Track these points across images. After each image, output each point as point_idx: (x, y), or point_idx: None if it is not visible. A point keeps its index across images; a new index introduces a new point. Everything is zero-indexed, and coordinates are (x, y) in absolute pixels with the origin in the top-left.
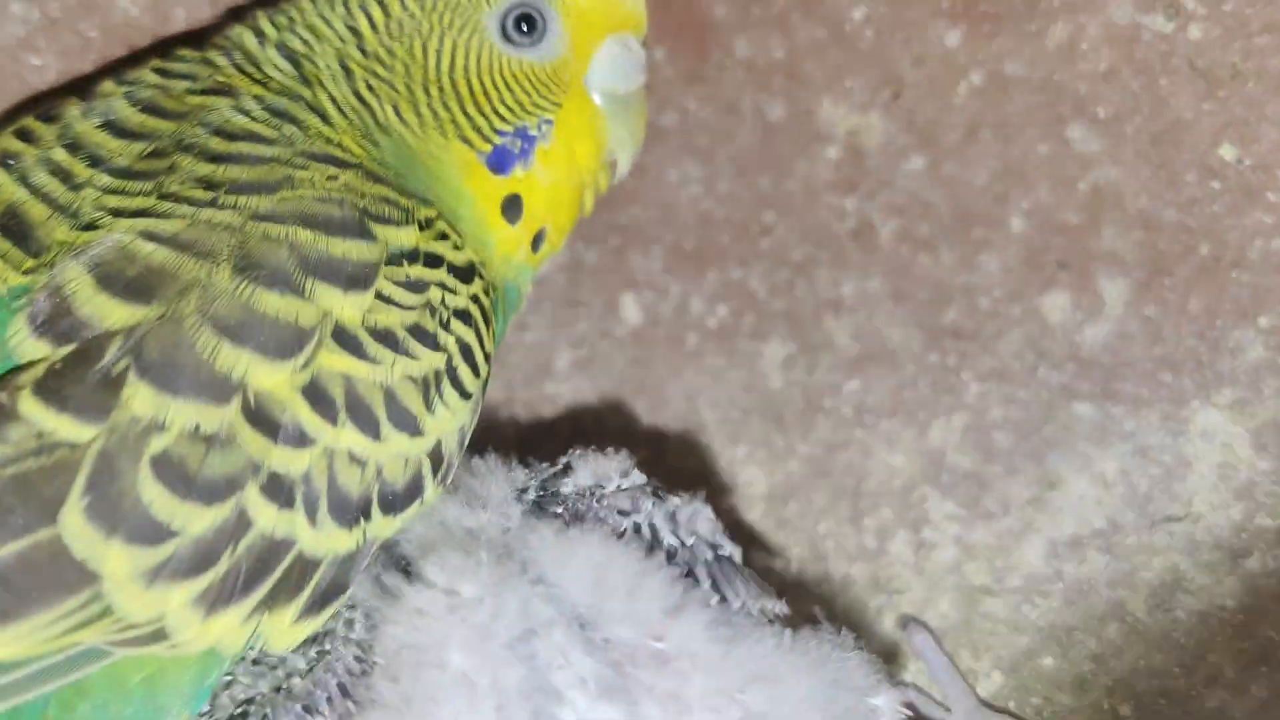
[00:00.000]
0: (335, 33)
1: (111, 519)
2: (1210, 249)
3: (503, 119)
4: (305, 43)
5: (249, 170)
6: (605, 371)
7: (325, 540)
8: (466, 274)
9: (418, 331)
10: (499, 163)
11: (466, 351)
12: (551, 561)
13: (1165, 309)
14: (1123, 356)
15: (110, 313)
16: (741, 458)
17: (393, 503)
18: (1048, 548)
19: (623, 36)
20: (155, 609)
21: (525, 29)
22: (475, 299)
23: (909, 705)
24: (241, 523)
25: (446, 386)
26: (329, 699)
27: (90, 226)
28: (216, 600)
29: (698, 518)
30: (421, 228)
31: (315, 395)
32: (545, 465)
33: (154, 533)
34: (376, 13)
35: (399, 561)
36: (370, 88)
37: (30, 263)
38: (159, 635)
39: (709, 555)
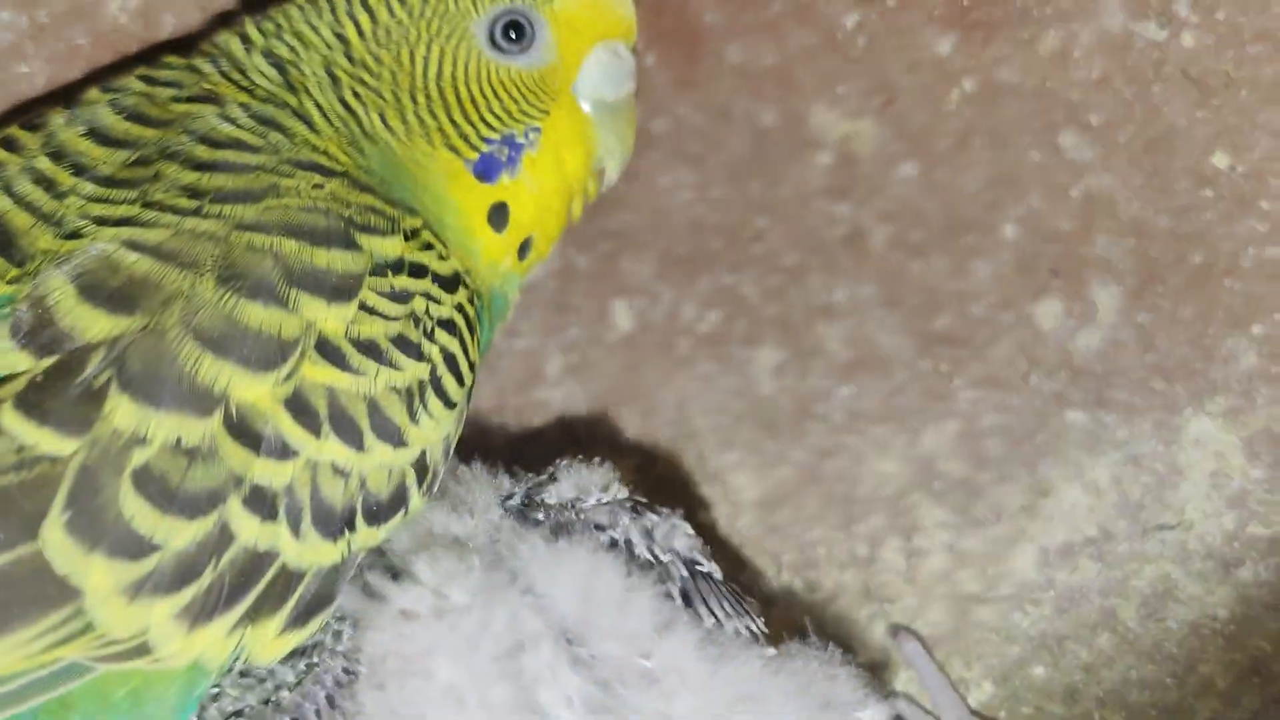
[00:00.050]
0: (322, 40)
1: (93, 533)
2: (1203, 257)
3: (490, 127)
4: (292, 50)
5: (234, 178)
6: (596, 378)
7: (309, 552)
8: (451, 283)
9: (401, 342)
10: (486, 171)
11: (451, 361)
12: (540, 572)
13: (1158, 317)
14: (1115, 364)
15: (93, 324)
16: (732, 464)
17: (377, 513)
18: (1039, 556)
19: (612, 44)
20: (138, 624)
21: (514, 37)
22: (460, 308)
23: (898, 718)
24: (224, 536)
25: (431, 396)
26: (317, 711)
27: (74, 235)
28: (200, 614)
29: (675, 534)
30: (407, 237)
31: (298, 407)
32: (530, 475)
33: (136, 547)
34: (364, 20)
35: (386, 567)
36: (357, 95)
37: (14, 272)
38: (142, 650)
39: (684, 573)
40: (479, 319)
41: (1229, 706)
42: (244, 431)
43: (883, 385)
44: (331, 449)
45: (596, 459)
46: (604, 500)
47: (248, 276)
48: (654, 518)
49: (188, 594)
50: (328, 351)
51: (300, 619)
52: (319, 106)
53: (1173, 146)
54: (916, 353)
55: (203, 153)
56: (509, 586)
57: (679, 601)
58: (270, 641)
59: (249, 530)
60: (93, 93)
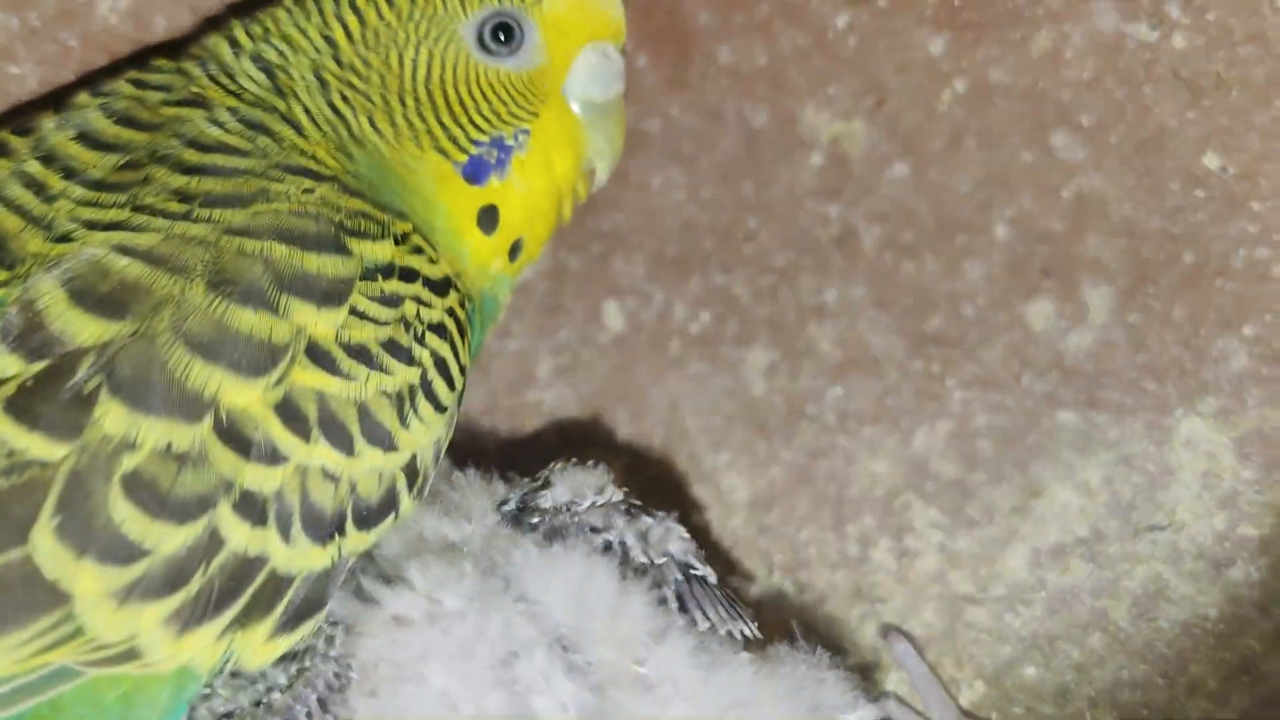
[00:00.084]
0: (311, 43)
1: (83, 539)
2: (1194, 257)
3: (479, 129)
4: (280, 53)
5: (223, 183)
6: (588, 379)
7: (299, 557)
8: (442, 288)
9: (392, 346)
10: (474, 173)
11: (441, 365)
12: (533, 578)
13: (1149, 317)
14: (1106, 365)
15: (83, 329)
16: (724, 465)
17: (367, 518)
18: (1031, 556)
19: (601, 45)
20: (127, 629)
21: (502, 39)
22: (450, 312)
23: (887, 719)
24: (214, 541)
25: (421, 400)
26: (308, 714)
27: (64, 238)
28: (189, 619)
29: (669, 538)
30: (397, 242)
31: (288, 412)
32: (526, 480)
33: (126, 552)
34: (353, 22)
35: (379, 573)
36: (345, 99)
37: (4, 275)
38: (131, 654)
39: (678, 576)
40: (470, 322)
41: (1219, 706)
42: (234, 437)
43: (874, 386)
44: (321, 454)
45: (591, 461)
46: (599, 503)
47: (238, 282)
48: (649, 520)
49: (177, 599)
50: (318, 356)
51: (290, 624)
52: (307, 111)
53: (1164, 147)
54: (908, 353)
55: (192, 156)
56: (503, 593)
57: (674, 604)
58: (260, 646)
59: (239, 535)
60: (83, 97)
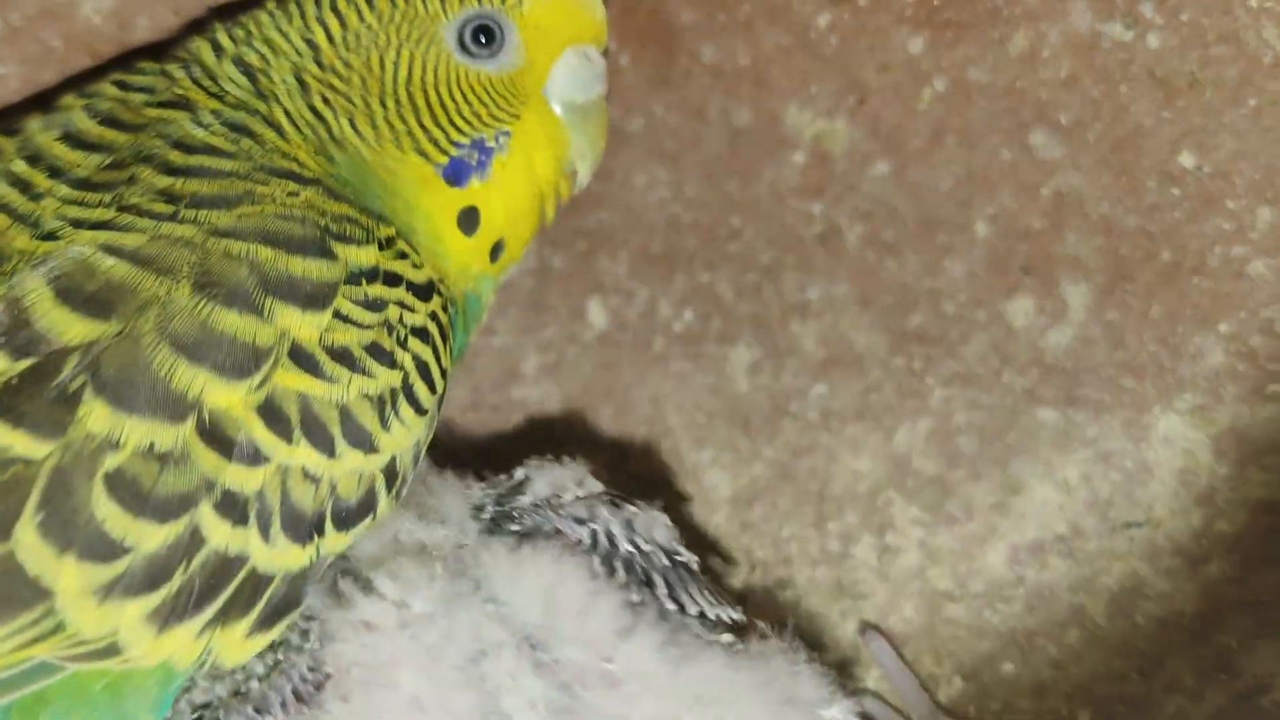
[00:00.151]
0: (292, 46)
1: (65, 536)
2: (1171, 255)
3: (460, 131)
4: (261, 57)
5: (208, 184)
6: (572, 376)
7: (278, 557)
8: (425, 292)
9: (375, 350)
10: (455, 175)
11: (423, 368)
12: (503, 580)
13: (1127, 314)
14: (1085, 362)
15: (69, 327)
16: (707, 462)
17: (346, 518)
18: (1010, 553)
19: (582, 47)
20: (108, 625)
21: (483, 41)
22: (433, 316)
23: (864, 715)
24: (195, 540)
25: (402, 403)
26: (283, 703)
27: (50, 236)
28: (169, 616)
29: (654, 525)
30: (381, 247)
31: (270, 414)
32: (502, 478)
33: (107, 550)
34: (334, 25)
35: (352, 575)
36: (326, 101)
37: None
38: (111, 650)
39: (665, 562)
40: (453, 324)
41: (1195, 702)
42: (216, 437)
43: (856, 383)
44: (303, 455)
45: (565, 456)
46: (581, 495)
47: (223, 284)
48: (633, 509)
49: (158, 596)
50: (301, 359)
51: (267, 621)
52: (288, 113)
53: (1140, 146)
54: (890, 351)
55: (177, 158)
56: (472, 595)
57: (663, 591)
58: (238, 644)
59: (219, 534)
60: (67, 98)
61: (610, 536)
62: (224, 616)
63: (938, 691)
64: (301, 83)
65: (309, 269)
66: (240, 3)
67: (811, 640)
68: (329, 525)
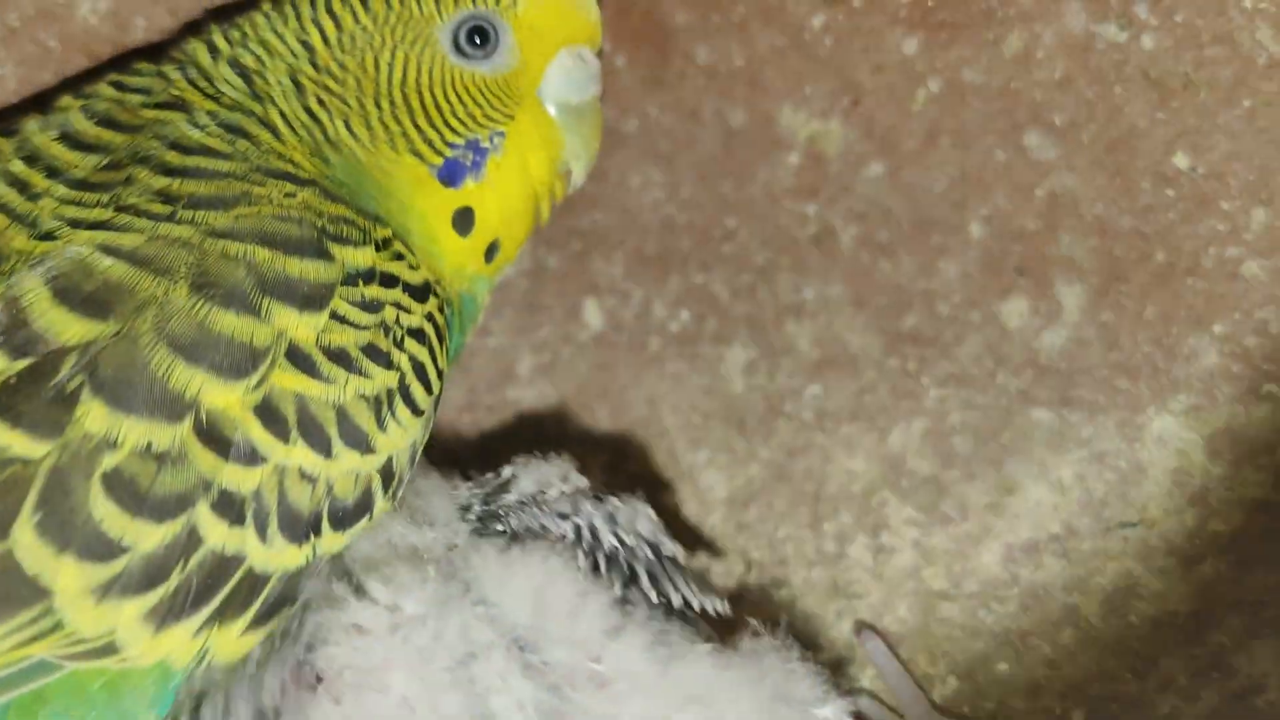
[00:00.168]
0: (288, 48)
1: (63, 535)
2: (1165, 256)
3: (454, 132)
4: (257, 58)
5: (205, 184)
6: (567, 377)
7: (275, 557)
8: (421, 293)
9: (371, 351)
10: (450, 176)
11: (419, 369)
12: (493, 582)
13: (1121, 315)
14: (1079, 362)
15: (66, 327)
16: (702, 462)
17: (343, 519)
18: (1004, 553)
19: (576, 48)
20: (106, 624)
21: (478, 42)
22: (430, 318)
23: (858, 714)
24: (192, 539)
25: (399, 404)
26: (281, 687)
27: (48, 236)
28: (167, 615)
29: (637, 518)
30: (378, 248)
31: (267, 414)
32: (489, 477)
33: (105, 549)
34: (329, 27)
35: (346, 577)
36: (321, 102)
37: None
38: (109, 649)
39: (649, 555)
40: (449, 324)
41: (1189, 701)
42: (213, 437)
43: (851, 384)
44: (299, 455)
45: (552, 452)
46: (565, 491)
47: (221, 285)
48: (616, 502)
49: (155, 595)
50: (298, 359)
51: (263, 619)
52: (283, 115)
53: (1134, 147)
54: (885, 351)
55: (173, 158)
56: (462, 597)
57: (646, 582)
58: (234, 640)
59: (217, 534)
60: (64, 99)
61: (594, 530)
62: (221, 615)
63: (933, 691)
64: (297, 84)
65: (306, 270)
66: (236, 4)
67: (807, 640)
68: (326, 525)
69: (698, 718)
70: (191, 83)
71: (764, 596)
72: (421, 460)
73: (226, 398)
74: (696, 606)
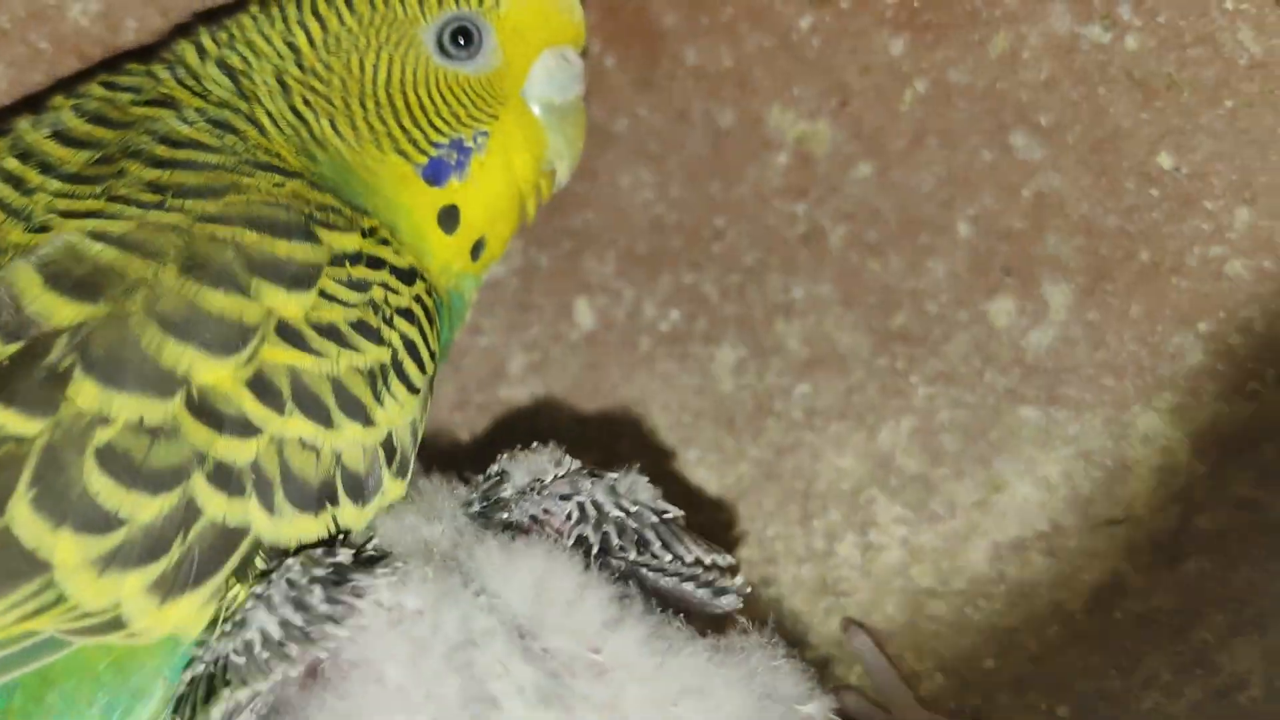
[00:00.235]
0: (274, 49)
1: (59, 509)
2: (1150, 255)
3: (438, 131)
4: (244, 59)
5: (195, 175)
6: (558, 375)
7: (287, 526)
8: (408, 276)
9: (361, 327)
10: (435, 174)
11: (411, 347)
12: (494, 573)
13: (1107, 314)
14: (1066, 361)
15: (58, 310)
16: (692, 461)
17: (358, 491)
18: (992, 550)
19: (560, 49)
20: (109, 596)
21: (461, 42)
22: (418, 299)
23: (842, 711)
24: (190, 511)
25: (394, 380)
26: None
27: (42, 229)
28: (172, 587)
29: (637, 487)
30: (364, 235)
31: (260, 387)
32: (481, 478)
33: (103, 521)
34: (315, 28)
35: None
36: (307, 102)
37: None
38: (116, 624)
39: (654, 519)
40: (439, 316)
41: (1172, 697)
42: (206, 411)
43: (840, 382)
44: (297, 425)
45: (535, 443)
46: (560, 475)
47: (209, 265)
48: (613, 475)
49: (158, 567)
50: (288, 334)
51: None
52: (269, 114)
53: (1119, 147)
54: (873, 350)
55: (163, 151)
56: (463, 588)
57: (658, 546)
58: None
59: (215, 505)
60: (57, 99)
61: (597, 505)
62: (247, 583)
63: (919, 687)
64: (283, 84)
65: (294, 251)
66: (226, 6)
67: (795, 638)
68: (343, 496)
69: (694, 709)
70: (180, 82)
71: (753, 594)
72: (417, 464)
73: (217, 373)
74: (708, 561)
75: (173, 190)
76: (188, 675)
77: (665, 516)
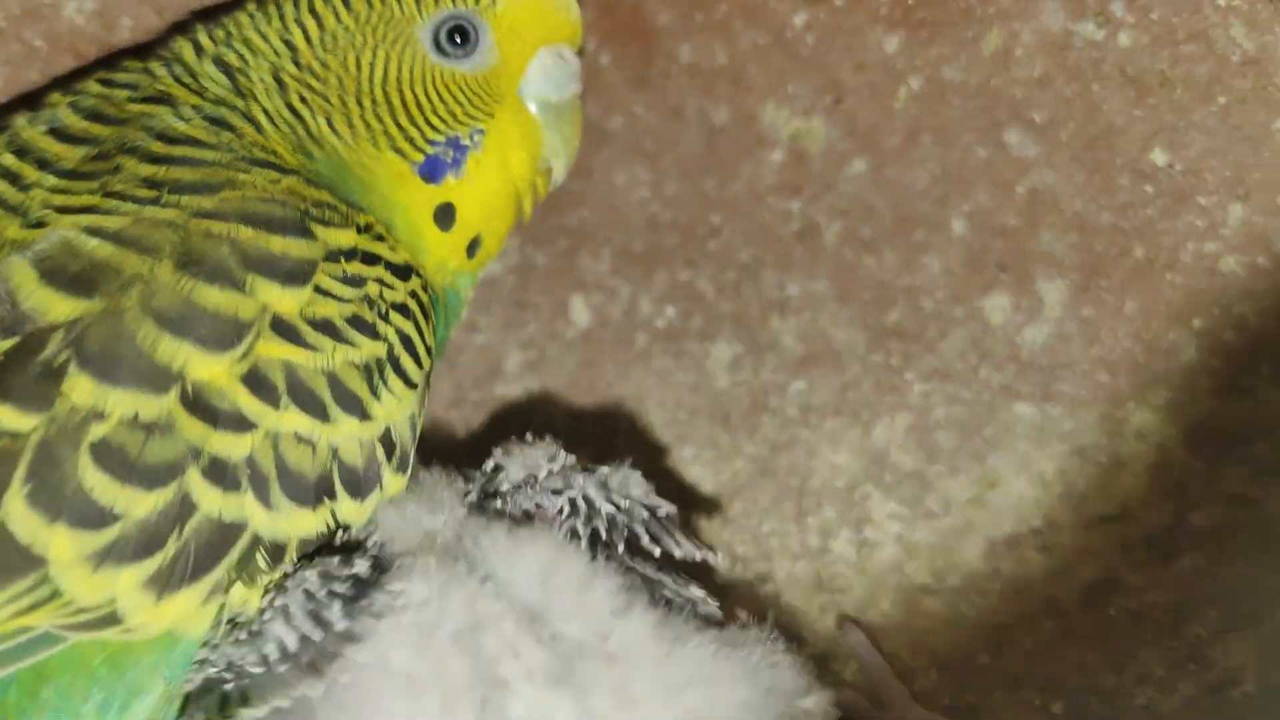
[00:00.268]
0: (270, 47)
1: (54, 505)
2: (1144, 251)
3: (435, 129)
4: (240, 57)
5: (191, 171)
6: (555, 373)
7: (285, 521)
8: (404, 272)
9: (356, 321)
10: (431, 172)
11: (407, 342)
12: (501, 560)
13: (1102, 311)
14: (1061, 358)
15: (53, 306)
16: (688, 458)
17: (355, 485)
18: (986, 546)
19: (557, 47)
20: (105, 591)
21: (458, 41)
22: (413, 295)
23: (840, 705)
24: (185, 506)
25: (390, 374)
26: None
27: (39, 225)
28: (168, 582)
29: (629, 482)
30: (359, 231)
31: (256, 382)
32: (477, 472)
33: (97, 517)
34: (311, 26)
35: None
36: (303, 100)
37: None
38: (112, 619)
39: (645, 515)
40: (435, 313)
41: (1166, 694)
42: (200, 406)
43: (835, 379)
44: (292, 420)
45: (528, 435)
46: (554, 470)
47: (205, 261)
48: (605, 470)
49: (153, 563)
50: (283, 330)
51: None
52: (266, 112)
53: (1113, 144)
54: (868, 347)
55: (159, 148)
56: (467, 576)
57: (646, 539)
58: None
59: (210, 501)
60: (54, 96)
61: (589, 500)
62: (243, 580)
63: (914, 683)
64: (280, 82)
65: (289, 247)
66: (222, 5)
67: (790, 634)
68: (341, 491)
69: (701, 698)
70: (176, 79)
71: (748, 591)
72: (416, 457)
73: (213, 369)
74: (698, 558)
75: (169, 186)
76: (198, 676)
77: (658, 512)
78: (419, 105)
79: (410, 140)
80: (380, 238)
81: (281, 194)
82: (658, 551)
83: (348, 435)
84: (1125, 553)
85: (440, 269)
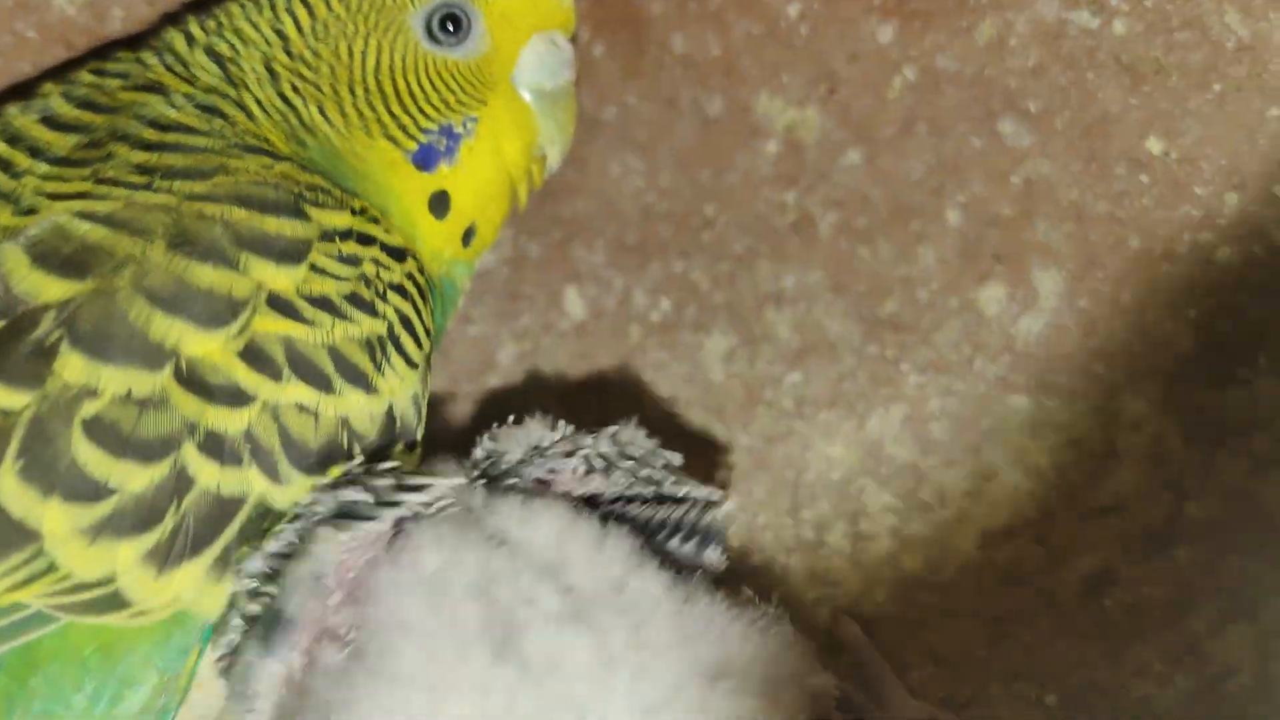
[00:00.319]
0: (262, 36)
1: (47, 479)
2: (1140, 241)
3: (428, 117)
4: (232, 46)
5: (183, 157)
6: (549, 364)
7: (297, 493)
8: (399, 254)
9: (355, 299)
10: (424, 160)
11: (406, 322)
12: (516, 526)
13: (1098, 301)
14: (1057, 349)
15: (45, 288)
16: (683, 450)
17: (372, 453)
18: (982, 539)
19: (549, 34)
20: (104, 565)
21: (450, 28)
22: (410, 276)
23: (841, 687)
24: (182, 480)
25: (392, 352)
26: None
27: (31, 211)
28: (168, 557)
29: (636, 436)
30: (354, 213)
31: (253, 356)
32: (468, 461)
33: (92, 491)
34: (303, 15)
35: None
36: (295, 89)
37: None
38: (115, 600)
39: (664, 460)
40: (432, 300)
41: (1162, 687)
42: (195, 382)
43: (830, 370)
44: (294, 391)
45: (511, 417)
46: (559, 437)
47: (198, 241)
48: (612, 428)
49: (152, 537)
50: (280, 306)
51: None
52: (258, 101)
53: (1108, 132)
54: (864, 338)
55: (151, 135)
56: (483, 541)
57: (669, 484)
58: None
59: (208, 474)
60: (46, 85)
61: (604, 456)
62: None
63: (909, 676)
64: (271, 71)
65: (283, 227)
66: None
67: None
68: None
69: (713, 651)
70: (168, 68)
71: (742, 584)
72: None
73: (207, 345)
74: (701, 497)
75: (161, 172)
76: (236, 619)
77: (672, 462)
78: (411, 93)
79: (403, 128)
80: (375, 220)
81: (275, 177)
82: (682, 492)
83: (357, 407)
84: (1122, 545)
85: (436, 257)
